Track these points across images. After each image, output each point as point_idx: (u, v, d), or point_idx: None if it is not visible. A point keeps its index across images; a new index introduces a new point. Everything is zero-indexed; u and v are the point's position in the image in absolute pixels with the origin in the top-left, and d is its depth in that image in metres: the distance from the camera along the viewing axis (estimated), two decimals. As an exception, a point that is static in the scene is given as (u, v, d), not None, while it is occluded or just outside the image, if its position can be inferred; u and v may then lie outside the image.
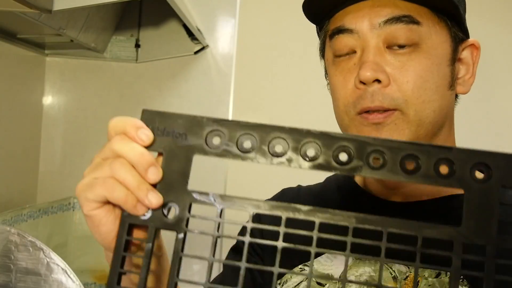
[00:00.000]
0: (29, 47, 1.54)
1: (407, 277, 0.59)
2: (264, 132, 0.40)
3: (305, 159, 0.39)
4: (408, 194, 0.65)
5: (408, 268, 0.59)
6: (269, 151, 0.40)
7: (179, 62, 1.62)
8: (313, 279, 0.62)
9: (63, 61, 1.66)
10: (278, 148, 0.40)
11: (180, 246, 0.39)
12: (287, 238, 0.38)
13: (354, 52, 0.61)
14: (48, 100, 1.66)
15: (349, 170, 0.39)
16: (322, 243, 0.38)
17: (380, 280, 0.37)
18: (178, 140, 0.41)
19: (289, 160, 0.39)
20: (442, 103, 0.61)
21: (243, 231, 0.72)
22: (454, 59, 0.63)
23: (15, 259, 1.09)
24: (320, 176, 0.74)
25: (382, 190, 0.67)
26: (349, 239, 0.38)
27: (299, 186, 0.77)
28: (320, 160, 0.39)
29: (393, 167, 0.38)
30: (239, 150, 0.40)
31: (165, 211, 0.41)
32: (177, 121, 0.42)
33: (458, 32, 0.63)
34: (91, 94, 1.65)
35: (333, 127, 1.53)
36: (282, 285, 0.65)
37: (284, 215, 0.39)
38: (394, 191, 0.65)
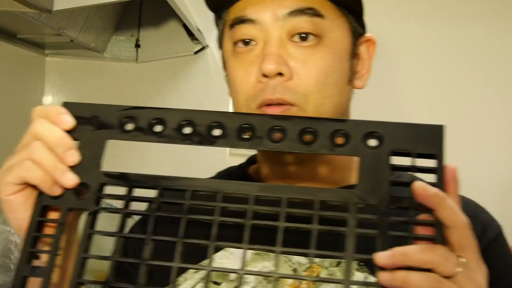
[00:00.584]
0: (29, 47, 1.54)
1: (307, 268, 0.58)
2: (173, 116, 0.44)
3: (212, 138, 0.42)
4: (306, 185, 0.63)
5: (309, 259, 0.59)
6: (179, 132, 0.43)
7: (179, 62, 1.62)
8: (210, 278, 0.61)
9: (63, 61, 1.66)
10: (187, 130, 0.43)
11: (89, 223, 0.42)
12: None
13: (256, 43, 0.59)
14: (48, 100, 1.66)
15: (251, 145, 0.42)
16: (219, 239, 0.40)
17: (277, 268, 0.40)
18: (94, 127, 0.45)
19: (199, 140, 0.42)
20: (341, 98, 0.60)
21: (133, 229, 0.70)
22: (353, 54, 0.63)
23: (15, 259, 1.09)
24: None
25: (278, 181, 0.65)
26: (250, 207, 0.40)
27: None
28: (227, 137, 0.42)
29: (292, 139, 0.41)
30: (152, 133, 0.44)
31: (78, 192, 0.43)
32: (94, 110, 0.45)
33: (357, 27, 0.63)
34: (91, 94, 1.65)
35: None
36: None
37: (189, 190, 0.41)
38: (291, 181, 0.64)
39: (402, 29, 1.58)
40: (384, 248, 0.37)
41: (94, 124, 0.45)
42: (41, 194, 0.43)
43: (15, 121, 1.50)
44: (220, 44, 0.66)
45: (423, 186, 0.39)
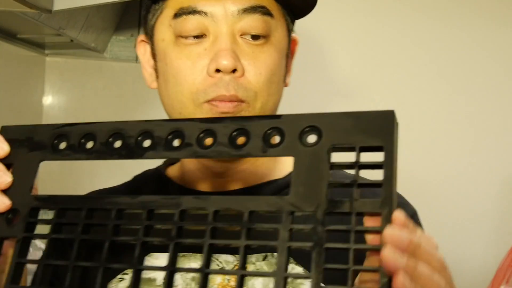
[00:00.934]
0: (29, 47, 1.54)
1: (235, 266, 0.58)
2: (102, 129, 0.41)
3: (141, 151, 0.39)
4: (235, 183, 0.63)
5: (235, 256, 0.58)
6: (108, 147, 0.40)
7: (179, 62, 1.62)
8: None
9: (63, 61, 1.66)
10: (117, 143, 0.40)
11: (18, 251, 0.39)
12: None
13: (204, 36, 0.58)
14: (48, 100, 1.66)
15: (181, 154, 0.38)
16: (144, 245, 0.37)
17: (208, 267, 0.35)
18: (28, 149, 0.43)
19: (127, 154, 0.39)
20: (279, 96, 0.62)
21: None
22: (288, 53, 0.64)
23: (15, 259, 1.08)
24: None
25: (204, 179, 0.64)
26: (175, 225, 0.36)
27: (102, 189, 0.73)
28: (156, 148, 0.39)
29: (223, 143, 0.37)
30: (82, 151, 0.41)
31: (9, 219, 0.40)
32: (29, 132, 0.43)
33: (291, 28, 0.64)
34: (91, 94, 1.65)
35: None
36: None
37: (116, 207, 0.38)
38: (218, 178, 0.63)
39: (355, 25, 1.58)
40: (320, 263, 0.32)
41: (28, 146, 0.43)
42: None
43: (15, 121, 1.50)
44: (151, 32, 0.63)
45: (390, 252, 0.31)
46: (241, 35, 0.58)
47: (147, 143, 0.39)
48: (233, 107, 0.56)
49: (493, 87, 1.56)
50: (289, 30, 0.63)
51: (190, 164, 0.65)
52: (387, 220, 0.31)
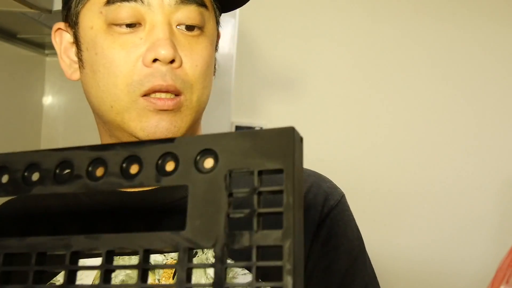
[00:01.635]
0: (29, 47, 1.54)
1: (164, 265, 0.56)
2: (16, 160, 0.36)
3: (28, 185, 0.35)
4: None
5: (165, 255, 0.57)
6: (23, 180, 0.36)
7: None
8: None
9: (63, 61, 1.66)
10: (35, 176, 0.36)
11: None
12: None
13: (139, 25, 0.55)
14: (48, 100, 1.66)
15: (69, 188, 0.34)
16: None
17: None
18: None
19: (13, 190, 0.35)
20: (211, 89, 0.61)
21: None
22: (217, 45, 0.64)
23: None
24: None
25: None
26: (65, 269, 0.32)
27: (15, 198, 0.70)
28: (44, 181, 0.34)
29: (114, 174, 0.33)
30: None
31: None
32: None
33: (219, 19, 0.63)
34: (91, 94, 1.65)
35: (335, 125, 1.54)
36: None
37: None
38: None
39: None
40: None
41: None
42: None
43: (15, 121, 1.50)
44: (75, 19, 0.59)
45: None
46: (177, 25, 0.56)
47: (35, 176, 0.35)
48: (173, 104, 0.54)
49: (494, 88, 1.56)
50: (218, 23, 0.63)
51: None
52: (290, 253, 0.29)
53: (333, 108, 1.61)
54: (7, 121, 1.45)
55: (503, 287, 1.22)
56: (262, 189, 0.31)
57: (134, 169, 0.33)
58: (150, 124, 0.55)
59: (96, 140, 0.67)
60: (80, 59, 0.59)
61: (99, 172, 0.34)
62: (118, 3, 0.55)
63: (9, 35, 1.41)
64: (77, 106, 1.66)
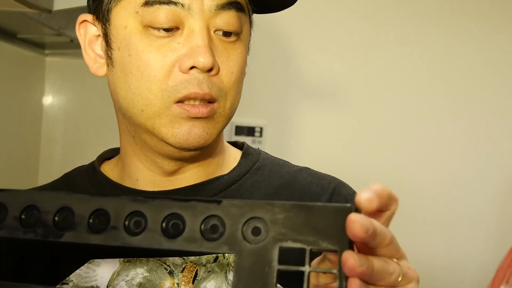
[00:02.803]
0: (29, 47, 1.54)
1: (183, 269, 0.56)
2: (14, 200, 0.34)
3: (60, 230, 0.33)
4: (177, 180, 0.60)
5: (184, 259, 0.56)
6: (21, 222, 0.34)
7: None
8: None
9: (63, 61, 1.66)
10: (32, 219, 0.34)
11: None
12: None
13: (177, 29, 0.53)
14: (48, 100, 1.66)
15: (104, 239, 0.32)
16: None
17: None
18: None
19: (43, 233, 0.33)
20: (241, 93, 0.59)
21: None
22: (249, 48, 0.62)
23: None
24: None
25: (139, 178, 0.61)
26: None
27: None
28: (76, 229, 0.33)
29: (154, 230, 0.31)
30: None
31: None
32: None
33: (252, 21, 0.61)
34: (91, 94, 1.65)
35: (335, 125, 1.53)
36: None
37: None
38: (167, 175, 0.60)
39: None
40: None
41: None
42: None
43: (15, 121, 1.50)
44: (106, 15, 0.57)
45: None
46: (215, 31, 0.54)
47: (66, 221, 0.34)
48: (207, 112, 0.53)
49: (493, 88, 1.56)
50: (251, 25, 0.61)
51: (134, 159, 0.60)
52: None
53: (333, 108, 1.62)
54: (7, 121, 1.45)
55: (503, 287, 1.22)
56: (313, 270, 0.30)
57: (176, 228, 0.31)
58: (182, 131, 0.53)
59: (95, 140, 0.67)
60: (109, 57, 0.57)
61: (137, 226, 0.32)
62: (157, 5, 0.52)
63: (9, 35, 1.41)
64: (77, 106, 1.66)
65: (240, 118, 1.60)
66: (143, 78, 0.53)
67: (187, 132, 0.53)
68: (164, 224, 0.32)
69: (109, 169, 0.64)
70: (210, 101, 0.54)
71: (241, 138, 1.72)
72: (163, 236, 0.32)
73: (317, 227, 0.29)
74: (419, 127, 1.59)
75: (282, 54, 1.65)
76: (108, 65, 0.58)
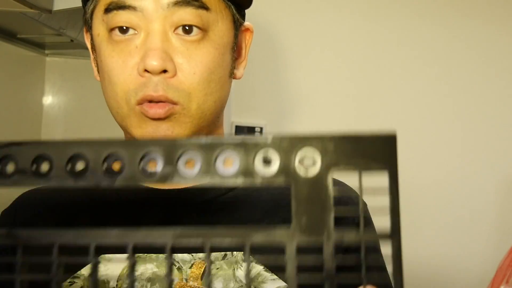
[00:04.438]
0: (29, 47, 1.54)
1: (192, 265, 0.57)
2: (61, 149, 0.34)
3: (109, 175, 0.33)
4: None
5: (192, 255, 0.57)
6: (69, 170, 0.34)
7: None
8: None
9: (63, 61, 1.66)
10: (80, 166, 0.34)
11: None
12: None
13: (136, 32, 0.54)
14: (48, 100, 1.66)
15: (159, 179, 0.33)
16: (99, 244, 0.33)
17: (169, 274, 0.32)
18: None
19: (92, 178, 0.33)
20: (222, 93, 0.59)
21: None
22: (235, 46, 0.61)
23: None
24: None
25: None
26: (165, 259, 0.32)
27: (36, 189, 0.69)
28: (126, 173, 0.33)
29: (208, 167, 0.33)
30: (35, 175, 0.34)
31: None
32: None
33: (239, 17, 0.61)
34: (91, 94, 1.65)
35: (335, 125, 1.53)
36: None
37: (93, 242, 0.33)
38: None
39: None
40: None
41: None
42: None
43: (15, 121, 1.50)
44: (88, 25, 0.60)
45: None
46: (175, 30, 0.54)
47: (115, 166, 0.34)
48: (164, 112, 0.54)
49: (493, 87, 1.56)
50: (235, 21, 0.60)
51: None
52: (396, 248, 0.32)
53: (333, 108, 1.62)
54: (7, 121, 1.45)
55: (503, 287, 1.22)
56: (367, 189, 0.32)
57: (228, 163, 0.33)
58: (147, 131, 0.55)
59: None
60: (96, 64, 0.61)
61: (189, 165, 0.33)
62: (115, 11, 0.54)
63: (9, 35, 1.41)
64: (77, 106, 1.67)
65: (240, 118, 1.60)
66: (110, 83, 0.56)
67: (153, 132, 0.55)
68: (216, 162, 0.33)
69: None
70: (171, 102, 0.54)
71: (241, 138, 1.72)
72: (223, 173, 0.33)
73: (366, 153, 0.32)
74: (419, 127, 1.59)
75: (282, 54, 1.65)
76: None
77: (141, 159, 0.33)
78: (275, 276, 0.57)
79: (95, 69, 0.62)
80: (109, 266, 0.57)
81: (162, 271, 0.57)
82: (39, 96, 1.64)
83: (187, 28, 0.54)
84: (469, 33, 1.57)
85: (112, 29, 0.55)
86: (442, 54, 1.57)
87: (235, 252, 0.57)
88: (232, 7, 0.59)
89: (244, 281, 0.54)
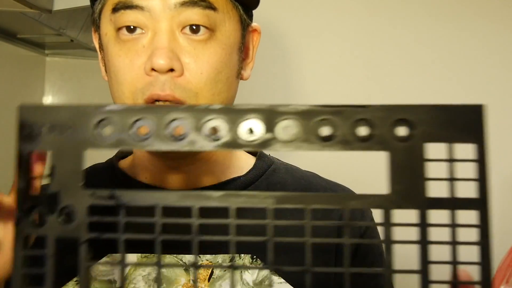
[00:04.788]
0: (29, 47, 1.54)
1: (199, 266, 0.57)
2: (160, 114, 0.35)
3: (209, 139, 0.35)
4: (188, 180, 0.62)
5: (200, 257, 0.57)
6: (168, 134, 0.35)
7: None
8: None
9: (63, 61, 1.66)
10: (179, 130, 0.35)
11: (85, 254, 0.35)
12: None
13: (143, 32, 0.55)
14: (48, 100, 1.66)
15: (259, 145, 0.34)
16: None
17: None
18: (65, 135, 0.37)
19: (192, 142, 0.35)
20: (229, 93, 0.59)
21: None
22: (242, 46, 0.61)
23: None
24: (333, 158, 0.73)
25: (156, 177, 0.62)
26: (232, 221, 0.33)
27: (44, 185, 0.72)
28: (226, 138, 0.34)
29: (306, 135, 0.34)
30: (134, 138, 0.35)
31: (62, 217, 0.36)
32: (61, 114, 0.37)
33: (246, 18, 0.61)
34: (91, 94, 1.65)
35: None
36: None
37: (196, 204, 0.34)
38: (174, 175, 0.61)
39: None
40: (425, 257, 0.34)
41: (65, 132, 0.38)
42: (19, 222, 0.36)
43: (15, 121, 1.50)
44: (96, 25, 0.60)
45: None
46: (182, 30, 0.55)
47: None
48: None
49: (493, 87, 1.56)
50: (243, 22, 0.60)
51: (142, 158, 0.62)
52: (484, 216, 0.34)
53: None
54: (7, 121, 1.45)
55: (503, 287, 1.22)
56: (457, 159, 0.34)
57: (325, 131, 0.34)
58: None
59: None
60: (103, 64, 0.61)
61: (289, 132, 0.34)
62: (122, 11, 0.54)
63: (9, 35, 1.41)
64: (77, 106, 1.67)
65: (240, 118, 1.60)
66: (117, 82, 0.56)
67: None
68: (315, 129, 0.34)
69: (127, 167, 0.66)
70: (178, 102, 0.54)
71: (241, 138, 1.72)
72: (317, 140, 0.34)
73: (457, 124, 0.34)
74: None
75: (282, 54, 1.65)
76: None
77: (238, 125, 0.34)
78: (282, 280, 0.57)
79: (102, 68, 0.62)
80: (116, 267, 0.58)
81: (169, 271, 0.57)
82: (39, 96, 1.64)
83: (194, 27, 0.55)
84: (471, 33, 1.57)
85: (119, 29, 0.55)
86: (447, 52, 1.57)
87: (242, 255, 0.57)
88: (240, 7, 0.59)
89: (251, 284, 0.55)
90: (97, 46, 0.63)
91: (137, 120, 0.35)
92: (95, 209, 0.35)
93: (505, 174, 1.57)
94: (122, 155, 0.68)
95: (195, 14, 0.54)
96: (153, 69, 0.53)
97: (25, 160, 0.41)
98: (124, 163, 0.67)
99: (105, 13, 0.57)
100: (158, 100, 0.54)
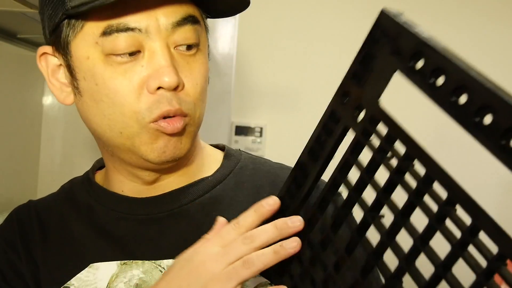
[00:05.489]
0: (29, 47, 1.54)
1: None
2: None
3: None
4: (163, 186, 0.63)
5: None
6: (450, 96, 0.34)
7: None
8: None
9: (63, 61, 1.66)
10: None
11: (351, 149, 0.41)
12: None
13: (139, 52, 0.55)
14: (48, 100, 1.66)
15: None
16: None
17: None
18: (391, 52, 0.38)
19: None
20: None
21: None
22: (209, 52, 0.64)
23: None
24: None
25: (133, 188, 0.63)
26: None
27: (29, 201, 0.72)
28: None
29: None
30: (428, 87, 0.35)
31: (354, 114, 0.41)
32: (401, 32, 0.38)
33: (208, 27, 0.63)
34: (91, 94, 1.65)
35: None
36: None
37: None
38: (140, 187, 0.63)
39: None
40: None
41: (392, 48, 0.39)
42: None
43: (15, 121, 1.50)
44: (65, 47, 0.57)
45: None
46: (175, 47, 0.56)
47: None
48: (181, 127, 0.56)
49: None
50: (206, 29, 0.62)
51: (116, 173, 0.64)
52: None
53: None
54: (7, 121, 1.45)
55: (503, 287, 1.22)
56: None
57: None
58: (159, 146, 0.56)
59: (95, 140, 0.67)
60: (75, 87, 0.58)
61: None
62: (116, 34, 0.54)
63: (9, 35, 1.41)
64: (77, 106, 1.67)
65: (240, 118, 1.60)
66: (114, 104, 0.55)
67: (164, 146, 0.56)
68: None
69: (101, 179, 0.68)
70: (184, 115, 0.56)
71: (241, 138, 1.72)
72: None
73: None
74: (419, 127, 1.59)
75: (282, 54, 1.65)
76: (75, 94, 0.59)
77: None
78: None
79: (60, 93, 0.60)
80: (98, 274, 0.59)
81: (148, 277, 0.58)
82: (39, 96, 1.64)
83: (188, 46, 0.57)
84: (472, 32, 1.57)
85: (112, 52, 0.54)
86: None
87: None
88: (204, 15, 0.61)
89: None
90: (47, 70, 0.61)
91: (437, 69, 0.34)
92: None
93: (505, 174, 1.58)
94: (97, 167, 0.70)
95: (188, 32, 0.56)
96: (158, 88, 0.54)
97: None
98: (100, 176, 0.69)
99: (86, 37, 0.55)
100: (168, 117, 0.55)
